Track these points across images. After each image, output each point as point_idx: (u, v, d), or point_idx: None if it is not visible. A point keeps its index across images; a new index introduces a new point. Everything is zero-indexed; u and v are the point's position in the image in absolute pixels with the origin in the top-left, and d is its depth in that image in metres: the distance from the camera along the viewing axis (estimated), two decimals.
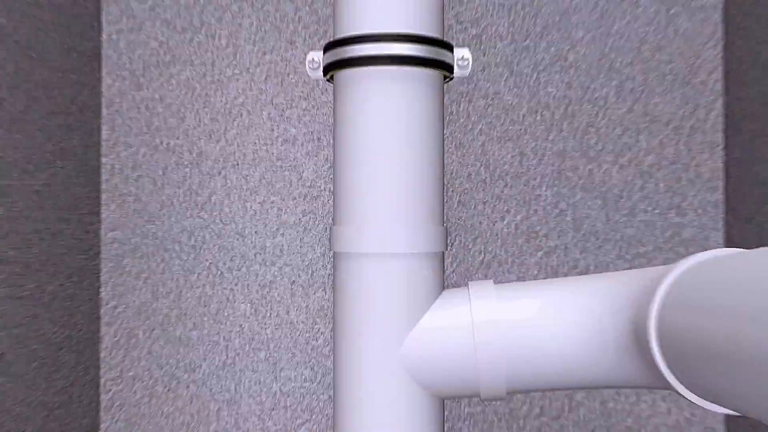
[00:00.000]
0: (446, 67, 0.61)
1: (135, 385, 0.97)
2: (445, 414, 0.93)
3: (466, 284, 0.65)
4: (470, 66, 0.63)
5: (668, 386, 0.47)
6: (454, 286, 0.93)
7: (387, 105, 0.59)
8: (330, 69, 0.62)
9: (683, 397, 0.45)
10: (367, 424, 0.59)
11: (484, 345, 0.57)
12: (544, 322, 0.58)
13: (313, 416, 0.96)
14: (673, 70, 0.93)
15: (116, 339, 0.97)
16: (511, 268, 0.95)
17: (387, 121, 0.59)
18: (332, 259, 0.95)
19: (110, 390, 0.97)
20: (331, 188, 0.95)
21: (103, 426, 0.97)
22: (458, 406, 0.94)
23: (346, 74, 0.61)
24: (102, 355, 0.97)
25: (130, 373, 0.97)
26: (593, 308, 0.56)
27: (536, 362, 0.57)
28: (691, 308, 0.42)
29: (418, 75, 0.59)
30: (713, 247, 0.92)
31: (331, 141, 0.95)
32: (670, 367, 0.45)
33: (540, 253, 0.95)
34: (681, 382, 0.44)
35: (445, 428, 0.93)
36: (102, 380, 0.97)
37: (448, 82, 0.65)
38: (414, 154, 0.60)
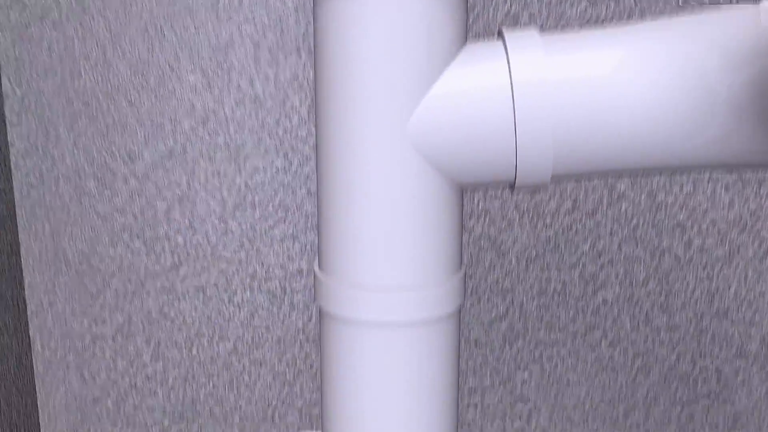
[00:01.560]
0: None
1: (60, 180, 0.78)
2: None
3: (499, 34, 0.49)
4: None
5: None
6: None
7: None
8: None
9: None
10: (364, 224, 0.50)
11: (527, 111, 0.47)
12: (616, 80, 0.47)
13: (289, 215, 0.78)
14: None
15: (27, 123, 0.76)
16: (545, 22, 0.75)
17: None
18: (312, 10, 0.75)
19: (27, 189, 0.78)
20: None
21: (22, 234, 0.79)
22: (470, 201, 0.77)
23: None
24: (10, 138, 0.77)
25: (50, 166, 0.77)
26: (695, 58, 0.45)
27: (602, 134, 0.47)
28: None
29: None
30: None
31: None
32: None
33: (584, 2, 0.74)
34: None
35: None
36: (15, 175, 0.77)
37: None
38: None
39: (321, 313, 0.54)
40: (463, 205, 0.55)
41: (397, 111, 0.49)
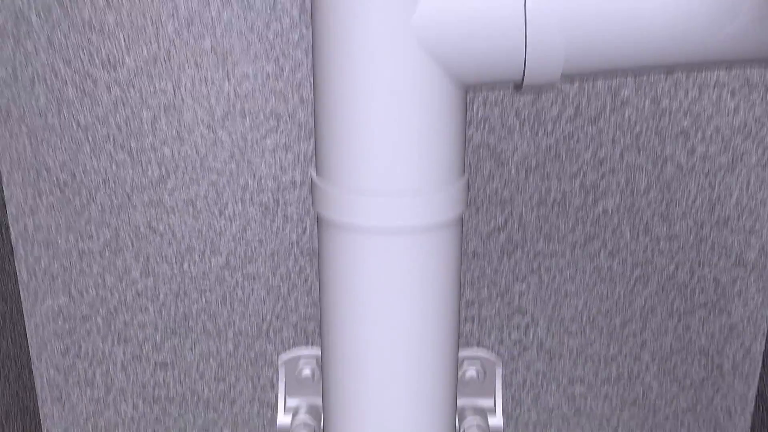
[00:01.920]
0: None
1: (36, 83, 0.74)
2: None
3: None
4: None
5: None
6: None
7: None
8: None
9: None
10: (365, 125, 0.47)
11: (538, 4, 0.45)
12: None
13: (281, 124, 0.75)
14: None
15: None
16: None
17: None
18: None
19: (4, 98, 0.74)
20: None
21: (5, 153, 0.75)
22: (470, 108, 0.74)
23: None
24: None
25: (27, 71, 0.73)
26: None
27: (619, 26, 0.45)
28: None
29: None
30: None
31: None
32: None
33: None
34: None
35: None
36: None
37: None
38: None
39: (319, 220, 0.52)
40: (467, 107, 0.52)
41: (401, 3, 0.45)
